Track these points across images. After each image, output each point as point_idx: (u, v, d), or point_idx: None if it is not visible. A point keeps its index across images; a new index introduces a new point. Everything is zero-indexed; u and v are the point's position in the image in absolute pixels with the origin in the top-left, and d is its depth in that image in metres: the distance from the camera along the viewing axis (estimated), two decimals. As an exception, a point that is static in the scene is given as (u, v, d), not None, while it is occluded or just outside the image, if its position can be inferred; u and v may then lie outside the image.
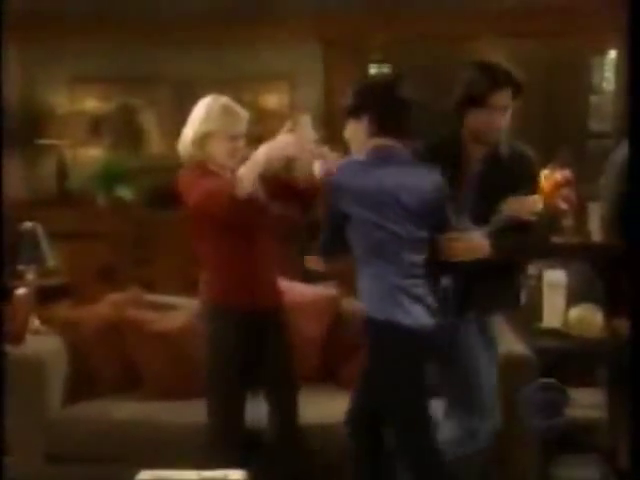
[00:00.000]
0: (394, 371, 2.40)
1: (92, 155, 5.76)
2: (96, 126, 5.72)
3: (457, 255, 2.46)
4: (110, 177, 5.55)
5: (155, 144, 5.81)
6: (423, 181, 2.46)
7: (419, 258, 2.45)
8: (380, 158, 2.47)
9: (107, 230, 5.38)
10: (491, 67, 2.57)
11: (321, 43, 5.63)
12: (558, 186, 3.78)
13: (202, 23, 5.52)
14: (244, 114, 2.80)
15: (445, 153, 2.62)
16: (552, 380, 3.38)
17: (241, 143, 2.80)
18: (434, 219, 2.47)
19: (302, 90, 5.73)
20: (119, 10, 5.45)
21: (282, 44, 5.59)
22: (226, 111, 2.80)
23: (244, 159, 2.63)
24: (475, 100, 2.53)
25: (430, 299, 2.45)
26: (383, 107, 2.45)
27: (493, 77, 2.53)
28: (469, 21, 5.38)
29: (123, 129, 5.78)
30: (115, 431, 3.27)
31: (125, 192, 5.57)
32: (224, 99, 2.84)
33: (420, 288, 2.44)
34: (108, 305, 3.77)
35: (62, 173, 5.68)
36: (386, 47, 6.17)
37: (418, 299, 2.44)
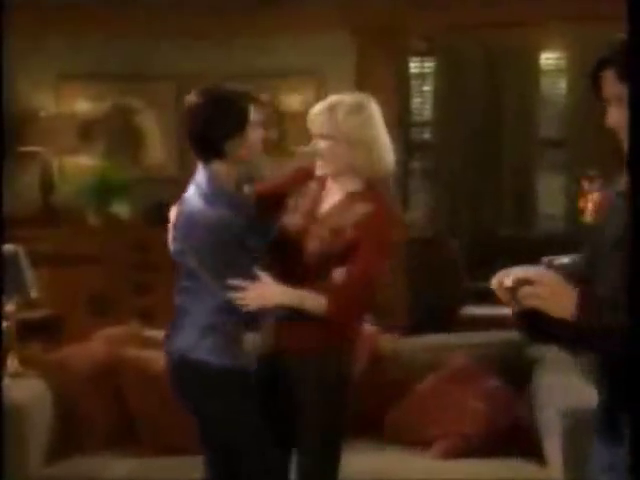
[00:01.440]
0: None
1: (82, 164, 5.81)
2: (87, 131, 5.78)
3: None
4: (104, 190, 5.61)
5: (156, 151, 5.87)
6: None
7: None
8: None
9: (100, 253, 5.43)
10: None
11: (353, 33, 5.68)
12: None
13: (210, 10, 5.55)
14: None
15: None
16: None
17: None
18: None
19: (330, 89, 5.64)
20: (113, -4, 5.55)
21: (306, 34, 5.65)
22: None
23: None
24: None
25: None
26: None
27: None
28: (531, 4, 5.41)
29: (119, 134, 5.84)
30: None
31: (121, 208, 5.63)
32: None
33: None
34: (101, 342, 3.80)
35: (47, 185, 5.74)
36: (431, 37, 6.24)
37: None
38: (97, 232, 5.57)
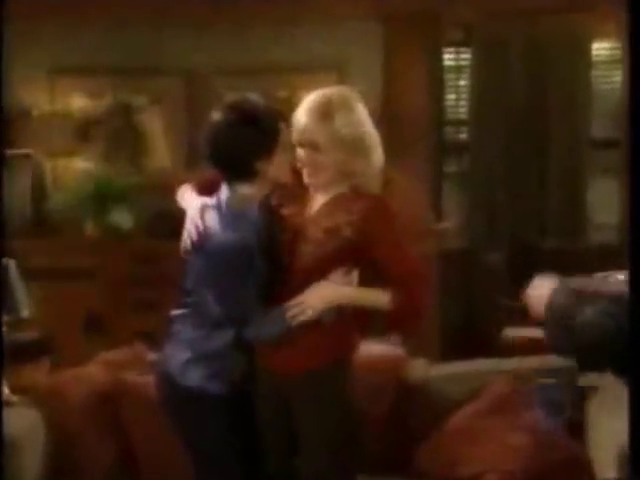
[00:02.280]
0: None
1: (78, 168, 5.88)
2: (84, 131, 5.86)
3: None
4: (102, 197, 5.66)
5: (161, 154, 5.94)
6: None
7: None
8: None
9: (98, 267, 5.49)
10: None
11: (381, 21, 5.73)
12: None
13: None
14: None
15: None
16: (553, 380, 3.77)
17: None
18: None
19: (355, 83, 5.73)
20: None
21: (329, 23, 5.69)
22: None
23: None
24: None
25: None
26: None
27: None
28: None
29: (119, 135, 5.92)
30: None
31: (121, 217, 5.68)
32: None
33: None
34: (100, 367, 3.80)
35: (40, 192, 5.81)
36: (468, 25, 6.22)
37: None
38: (95, 244, 5.63)
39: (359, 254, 2.80)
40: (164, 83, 5.82)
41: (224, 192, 2.84)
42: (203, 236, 2.80)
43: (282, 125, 2.78)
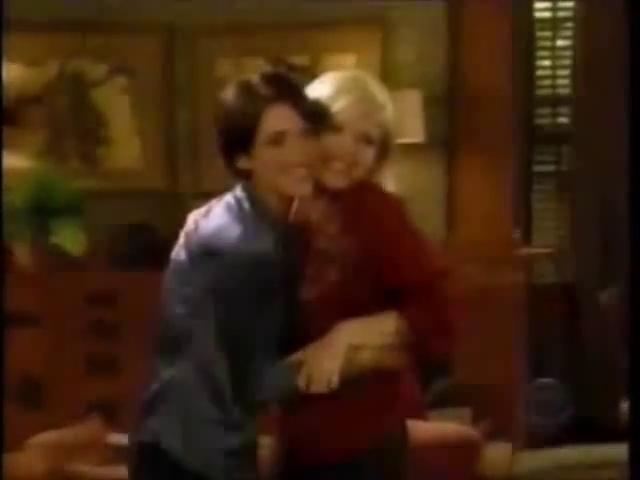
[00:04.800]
0: None
1: (9, 168, 5.80)
2: (17, 113, 5.85)
3: None
4: (43, 209, 5.64)
5: (127, 147, 5.92)
6: None
7: None
8: None
9: (37, 310, 5.49)
10: None
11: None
12: None
13: None
14: None
15: None
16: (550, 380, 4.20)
17: None
18: None
19: (401, 45, 5.79)
20: None
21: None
22: None
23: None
24: None
25: None
26: None
27: None
28: None
29: (67, 118, 5.92)
30: None
31: (70, 238, 5.63)
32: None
33: None
34: (39, 452, 3.85)
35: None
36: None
37: None
38: (32, 277, 5.64)
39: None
40: (133, 44, 5.80)
41: (239, 188, 3.02)
42: (207, 240, 2.92)
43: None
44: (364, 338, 2.94)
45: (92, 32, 5.84)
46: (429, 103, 5.65)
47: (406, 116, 5.44)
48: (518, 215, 6.26)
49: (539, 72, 6.66)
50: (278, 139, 2.95)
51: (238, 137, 2.95)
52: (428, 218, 5.60)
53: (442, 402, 5.20)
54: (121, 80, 5.89)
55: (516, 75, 6.15)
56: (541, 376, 5.87)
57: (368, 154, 3.02)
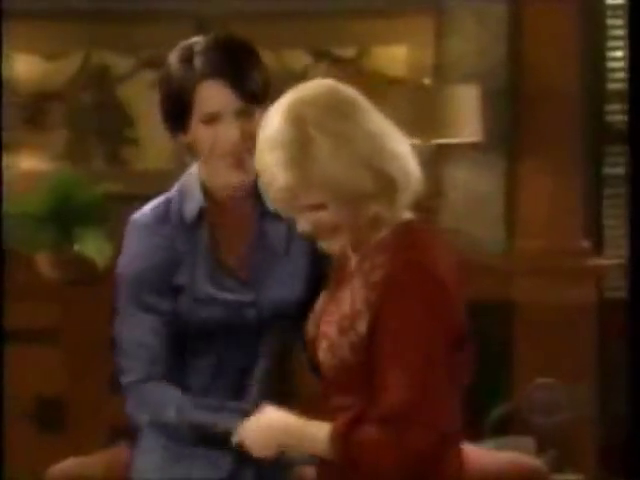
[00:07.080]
0: None
1: (29, 169, 5.86)
2: (37, 111, 5.86)
3: None
4: (64, 215, 5.57)
5: (155, 147, 5.87)
6: None
7: None
8: None
9: (60, 325, 5.55)
10: None
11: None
12: None
13: None
14: None
15: None
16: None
17: None
18: None
19: (460, 39, 5.81)
20: None
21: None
22: None
23: None
24: None
25: None
26: None
27: None
28: None
29: (93, 116, 5.92)
30: None
31: (95, 246, 5.54)
32: None
33: None
34: None
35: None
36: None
37: None
38: (54, 289, 5.63)
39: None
40: (162, 35, 5.70)
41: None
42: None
43: None
44: (293, 442, 2.83)
45: (117, 22, 5.88)
46: (487, 99, 5.63)
47: (462, 113, 5.45)
48: (587, 222, 6.18)
49: (610, 64, 6.51)
50: (210, 120, 2.96)
51: (173, 109, 2.98)
52: (486, 226, 5.65)
53: (502, 430, 5.28)
54: (149, 74, 5.78)
55: (584, 68, 6.09)
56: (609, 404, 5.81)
57: (333, 216, 2.77)
